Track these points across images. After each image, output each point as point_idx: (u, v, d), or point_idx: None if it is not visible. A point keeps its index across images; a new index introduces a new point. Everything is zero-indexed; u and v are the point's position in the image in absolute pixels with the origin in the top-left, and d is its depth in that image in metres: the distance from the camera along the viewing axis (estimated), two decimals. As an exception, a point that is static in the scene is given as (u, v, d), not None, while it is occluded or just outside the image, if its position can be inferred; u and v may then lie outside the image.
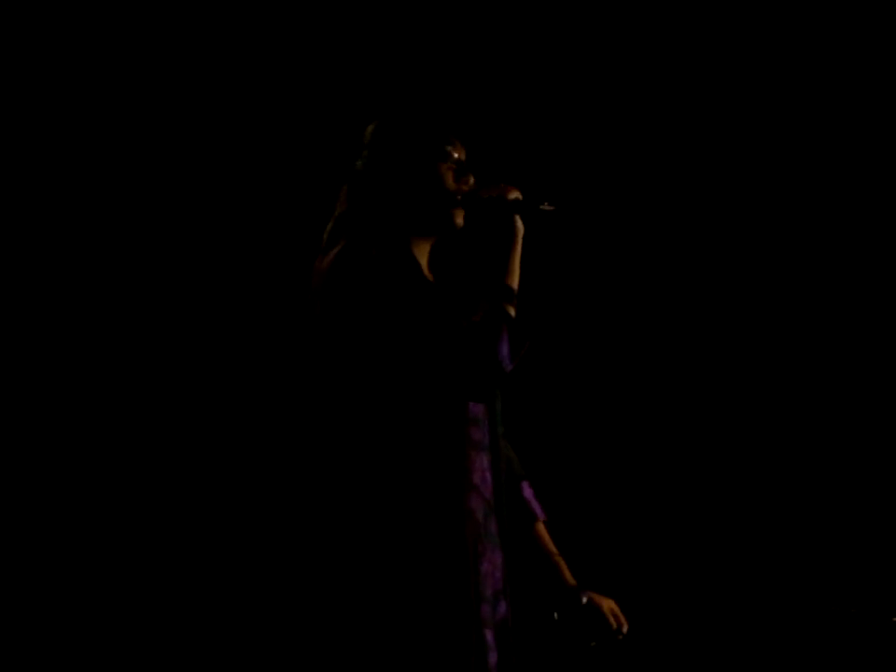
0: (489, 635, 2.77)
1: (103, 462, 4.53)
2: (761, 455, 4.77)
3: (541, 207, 2.88)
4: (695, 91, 4.82)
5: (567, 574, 3.07)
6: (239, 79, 4.65)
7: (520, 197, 2.90)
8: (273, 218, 4.67)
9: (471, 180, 2.96)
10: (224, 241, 4.66)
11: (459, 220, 2.95)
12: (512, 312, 2.82)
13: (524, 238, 2.90)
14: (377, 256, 2.81)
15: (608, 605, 3.04)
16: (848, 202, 4.78)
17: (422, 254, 2.96)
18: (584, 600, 3.02)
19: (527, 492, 3.11)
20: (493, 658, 2.76)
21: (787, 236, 4.81)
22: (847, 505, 4.71)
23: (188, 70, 4.63)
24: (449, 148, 2.95)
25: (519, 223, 2.89)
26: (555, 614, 3.04)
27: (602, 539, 4.69)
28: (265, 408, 4.54)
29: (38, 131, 4.52)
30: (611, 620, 3.02)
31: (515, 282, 2.85)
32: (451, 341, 2.76)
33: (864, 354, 4.76)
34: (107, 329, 4.57)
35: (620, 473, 4.79)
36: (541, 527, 3.10)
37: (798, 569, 4.68)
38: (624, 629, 3.04)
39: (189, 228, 4.64)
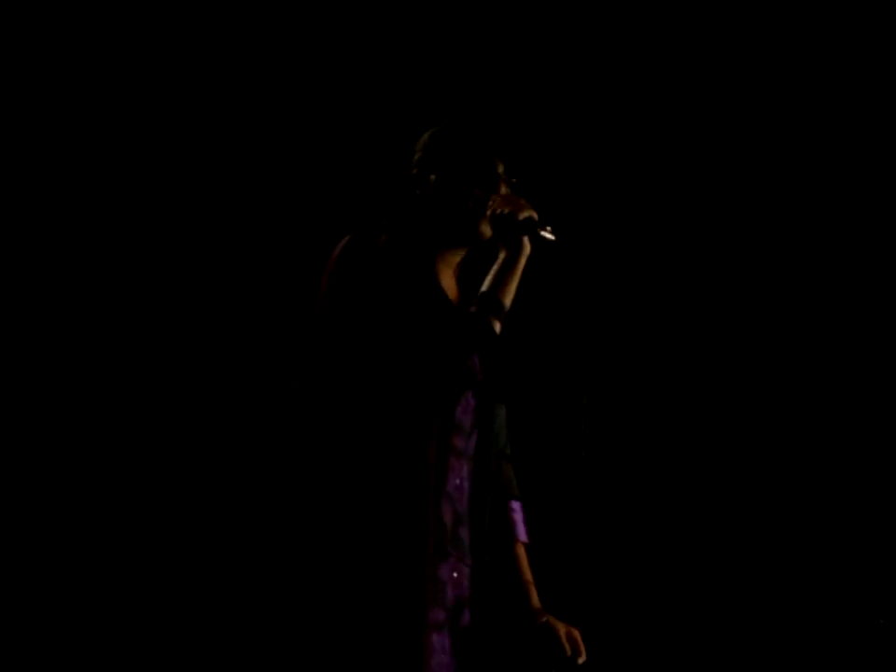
0: (438, 638, 2.77)
1: (101, 462, 4.54)
2: (759, 464, 4.77)
3: (542, 233, 2.89)
4: (704, 109, 4.86)
5: (534, 599, 3.06)
6: (267, 86, 4.71)
7: (533, 216, 2.91)
8: (292, 218, 4.72)
9: (503, 190, 2.98)
10: (235, 238, 4.70)
11: (487, 231, 2.96)
12: (497, 327, 2.85)
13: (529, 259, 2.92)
14: (380, 251, 2.85)
15: (566, 631, 3.01)
16: (848, 202, 4.78)
17: (448, 263, 3.00)
18: (543, 620, 3.01)
19: (516, 513, 3.12)
20: (437, 660, 2.76)
21: (787, 237, 4.82)
22: (846, 505, 4.70)
23: (205, 75, 4.70)
24: (484, 160, 2.98)
25: (526, 243, 2.91)
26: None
27: (601, 540, 4.72)
28: (256, 404, 4.55)
29: (40, 132, 4.56)
30: (566, 646, 2.99)
31: (508, 298, 2.88)
32: (428, 340, 2.79)
33: (864, 354, 4.75)
34: (111, 325, 4.60)
35: (617, 479, 4.80)
36: (520, 550, 3.10)
37: (796, 570, 4.68)
38: (581, 659, 3.01)
39: (195, 226, 4.68)
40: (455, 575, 2.83)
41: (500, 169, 3.00)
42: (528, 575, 3.08)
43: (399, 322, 2.81)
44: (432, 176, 2.98)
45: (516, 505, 3.14)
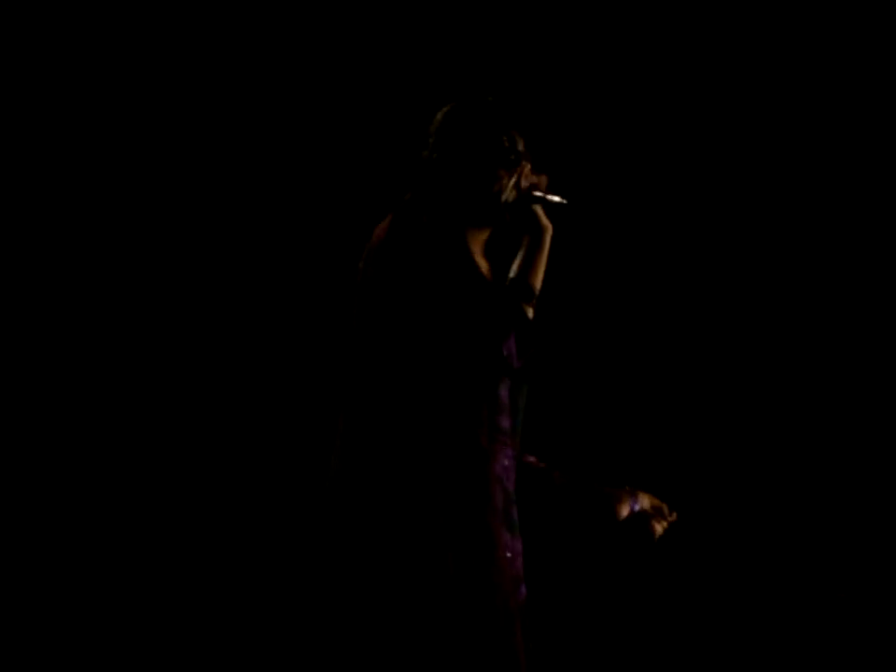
0: (509, 620, 2.79)
1: (108, 453, 4.57)
2: (762, 446, 4.80)
3: (549, 198, 2.87)
4: (699, 93, 4.84)
5: (610, 487, 3.05)
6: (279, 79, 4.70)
7: (535, 182, 2.89)
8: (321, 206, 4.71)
9: (527, 169, 2.93)
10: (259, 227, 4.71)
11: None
12: (530, 312, 2.84)
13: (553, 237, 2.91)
14: (422, 234, 2.82)
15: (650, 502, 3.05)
16: (848, 202, 4.79)
17: (477, 244, 2.95)
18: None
19: (530, 458, 3.09)
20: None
21: (787, 236, 4.82)
22: (846, 497, 4.75)
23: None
24: (505, 139, 2.92)
25: (545, 221, 2.89)
26: None
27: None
28: (293, 388, 4.59)
29: (40, 132, 4.51)
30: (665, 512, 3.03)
31: (538, 282, 2.86)
32: (465, 327, 2.77)
33: (864, 354, 4.78)
34: (137, 311, 4.63)
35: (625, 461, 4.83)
36: (558, 475, 3.08)
37: (797, 559, 4.73)
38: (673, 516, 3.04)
39: (225, 218, 4.69)
40: (509, 555, 2.84)
41: (521, 146, 2.94)
42: (583, 479, 3.07)
43: (442, 306, 2.78)
44: (451, 159, 2.91)
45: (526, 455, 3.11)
